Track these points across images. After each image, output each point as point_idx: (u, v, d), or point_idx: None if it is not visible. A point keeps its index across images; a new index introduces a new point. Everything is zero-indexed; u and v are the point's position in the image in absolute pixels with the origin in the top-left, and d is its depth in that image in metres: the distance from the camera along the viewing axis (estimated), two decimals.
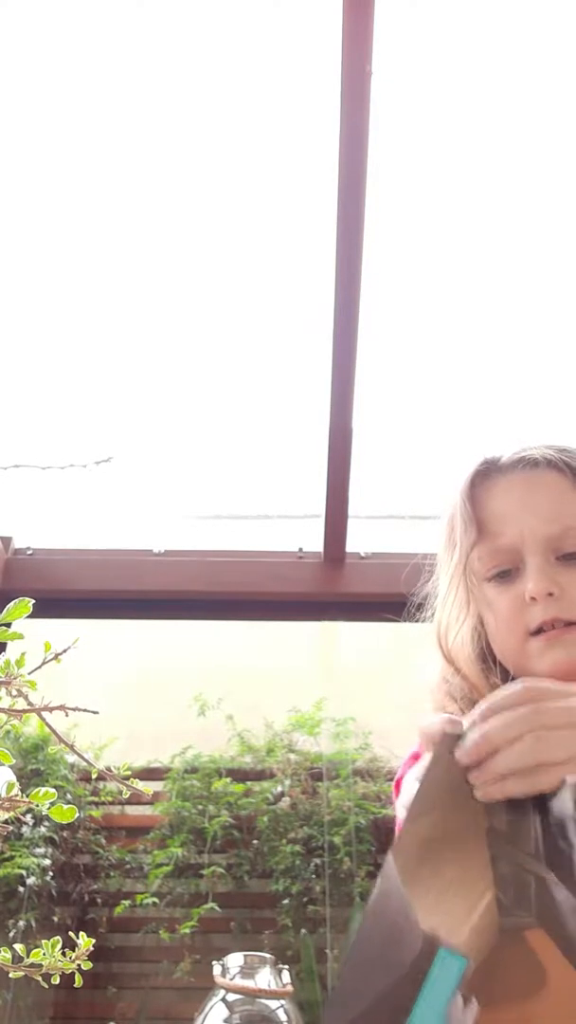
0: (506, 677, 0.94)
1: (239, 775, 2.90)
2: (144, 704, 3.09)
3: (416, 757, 0.97)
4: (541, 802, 0.58)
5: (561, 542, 0.90)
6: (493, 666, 0.95)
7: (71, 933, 0.69)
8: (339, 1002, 0.54)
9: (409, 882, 0.55)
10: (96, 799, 2.82)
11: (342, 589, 2.51)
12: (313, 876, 2.63)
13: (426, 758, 0.62)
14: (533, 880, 0.55)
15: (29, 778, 2.74)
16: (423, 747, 0.65)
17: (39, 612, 0.62)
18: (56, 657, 0.62)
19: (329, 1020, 0.54)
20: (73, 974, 0.66)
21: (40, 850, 2.60)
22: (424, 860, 0.56)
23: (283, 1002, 1.68)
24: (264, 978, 1.71)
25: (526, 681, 0.63)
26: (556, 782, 0.58)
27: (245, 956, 1.74)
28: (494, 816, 0.57)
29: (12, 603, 0.62)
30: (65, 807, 0.62)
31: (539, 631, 0.89)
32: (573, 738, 0.59)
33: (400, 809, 0.85)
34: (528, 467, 0.95)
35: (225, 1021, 1.63)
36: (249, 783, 2.88)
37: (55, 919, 2.63)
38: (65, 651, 0.63)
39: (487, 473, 0.97)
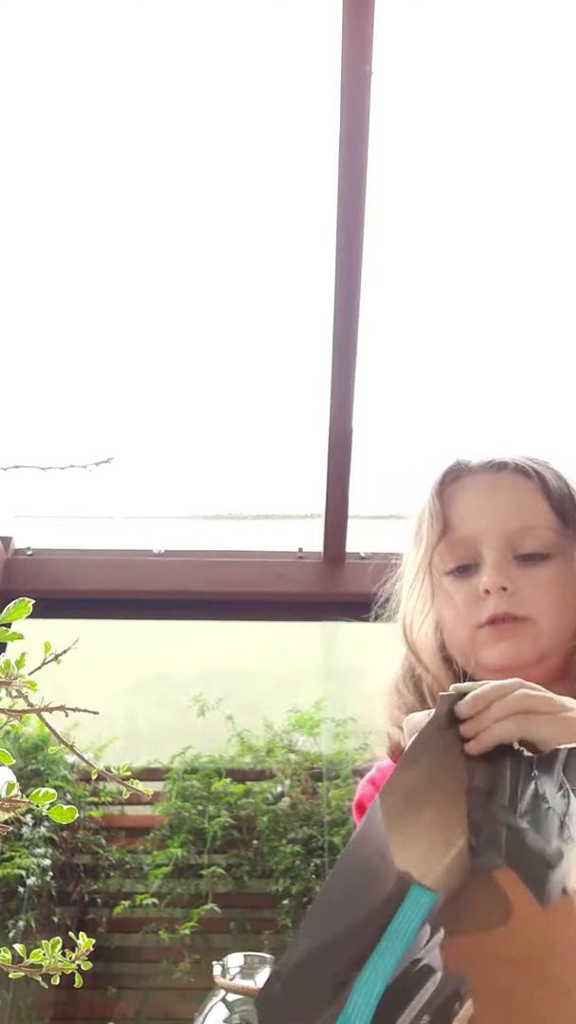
0: (466, 673, 0.96)
1: (239, 775, 2.90)
2: (144, 704, 3.09)
3: (373, 781, 0.99)
4: (520, 763, 0.63)
5: (520, 541, 0.93)
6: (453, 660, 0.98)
7: (71, 933, 0.69)
8: (309, 930, 0.57)
9: (392, 822, 0.59)
10: (96, 799, 2.82)
11: (342, 589, 2.51)
12: (313, 876, 2.62)
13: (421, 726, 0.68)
14: (505, 828, 0.60)
15: (29, 778, 2.74)
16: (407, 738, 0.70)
17: (39, 612, 0.62)
18: (56, 657, 0.62)
19: (297, 945, 0.56)
20: (73, 974, 0.66)
21: (40, 850, 2.60)
22: (408, 803, 0.60)
23: None
24: (264, 978, 1.70)
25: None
26: (542, 730, 0.64)
27: (245, 956, 1.74)
28: (474, 775, 0.62)
29: (12, 603, 0.62)
30: (65, 807, 0.62)
31: (489, 623, 0.92)
32: (554, 698, 0.67)
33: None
34: (495, 469, 0.98)
35: (225, 1021, 1.63)
36: (249, 783, 2.88)
37: (55, 919, 2.63)
38: (65, 651, 0.63)
39: (457, 474, 1.00)
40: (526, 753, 0.63)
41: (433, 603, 0.99)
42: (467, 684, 0.68)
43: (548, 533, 0.94)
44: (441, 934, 0.56)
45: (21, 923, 2.49)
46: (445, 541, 0.97)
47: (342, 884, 0.58)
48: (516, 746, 0.64)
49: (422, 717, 0.69)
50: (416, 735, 0.65)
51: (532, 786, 0.61)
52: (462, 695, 0.66)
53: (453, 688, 0.67)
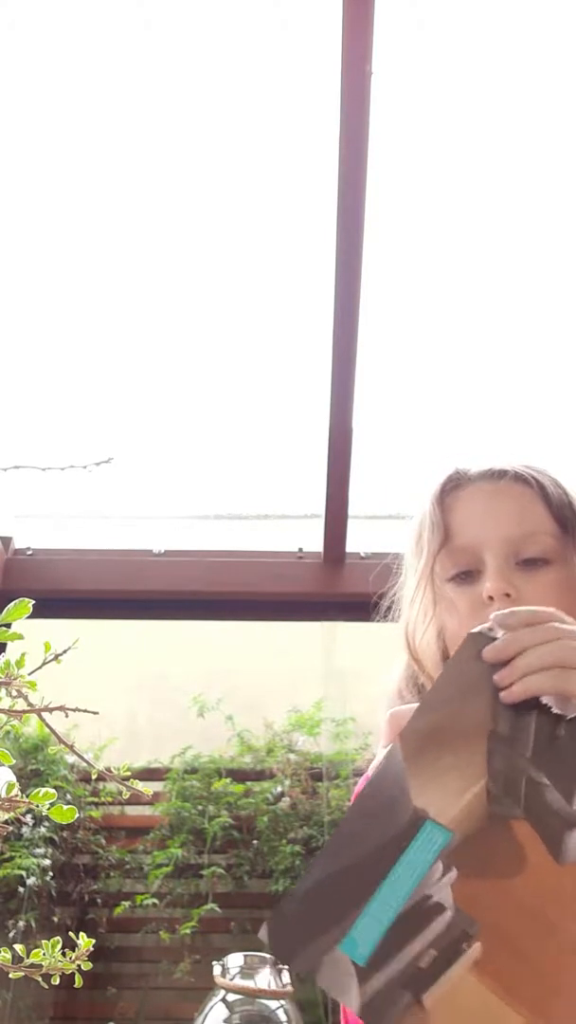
0: None
1: (239, 775, 2.90)
2: (144, 704, 3.09)
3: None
4: (548, 719, 0.62)
5: (521, 547, 0.94)
6: None
7: (71, 933, 0.69)
8: (326, 857, 0.59)
9: (411, 763, 0.61)
10: (96, 799, 2.81)
11: (342, 589, 2.51)
12: None
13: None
14: (524, 779, 0.60)
15: (29, 778, 2.74)
16: (390, 735, 0.71)
17: (39, 612, 0.62)
18: (56, 657, 0.62)
19: (313, 870, 0.59)
20: (73, 974, 0.66)
21: (40, 850, 2.60)
22: (427, 746, 0.62)
23: (283, 1002, 1.68)
24: (264, 978, 1.71)
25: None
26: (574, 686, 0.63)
27: (245, 956, 1.74)
28: (499, 720, 0.62)
29: (12, 603, 0.62)
30: (65, 807, 0.62)
31: None
32: None
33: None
34: (495, 477, 0.99)
35: (225, 1021, 1.63)
36: (249, 783, 2.88)
37: (55, 919, 2.63)
38: (65, 651, 0.63)
39: (457, 482, 1.01)
40: (554, 710, 0.62)
41: (435, 611, 0.99)
42: (502, 615, 0.66)
43: (549, 539, 0.95)
44: (454, 874, 0.57)
45: (21, 923, 2.48)
46: (446, 549, 0.97)
47: (361, 815, 0.60)
48: (545, 700, 0.63)
49: (407, 711, 0.69)
50: (438, 679, 0.66)
51: (558, 745, 0.61)
52: (491, 638, 0.65)
53: (479, 629, 0.66)
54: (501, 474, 0.99)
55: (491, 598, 0.92)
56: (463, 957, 0.55)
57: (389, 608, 1.09)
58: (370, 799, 0.61)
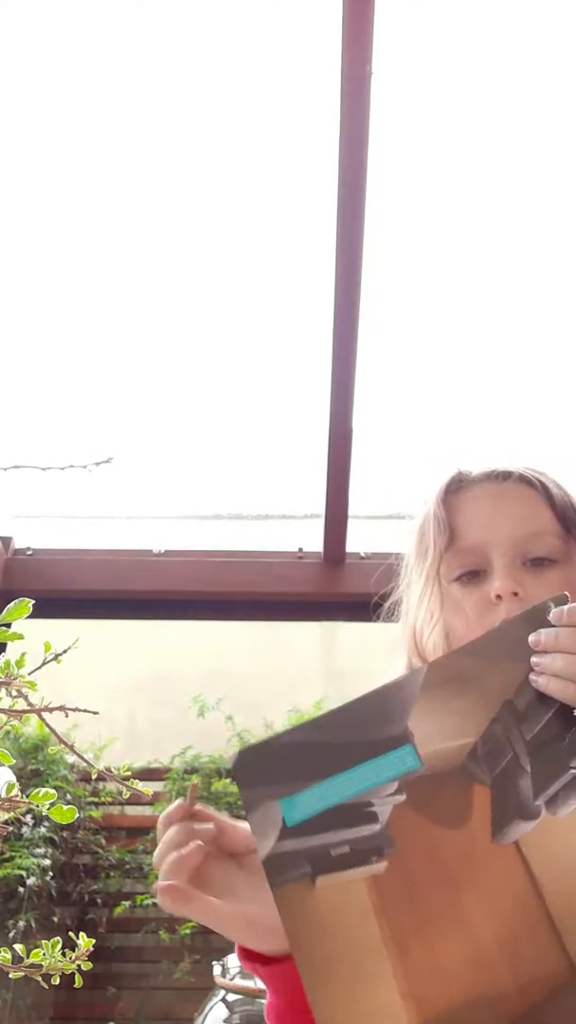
0: None
1: None
2: (144, 704, 3.09)
3: None
4: (564, 718, 0.64)
5: (528, 547, 0.95)
6: None
7: (71, 933, 0.69)
8: (311, 727, 0.65)
9: (425, 689, 0.65)
10: (96, 799, 2.82)
11: (342, 589, 2.51)
12: None
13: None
14: (510, 756, 0.63)
15: (29, 778, 2.74)
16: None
17: (39, 612, 0.62)
18: (56, 657, 0.62)
19: (301, 731, 0.65)
20: (73, 974, 0.66)
21: (40, 850, 2.60)
22: (447, 683, 0.66)
23: None
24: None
25: None
26: None
27: None
28: (520, 694, 0.66)
29: (12, 603, 0.62)
30: (65, 807, 0.62)
31: None
32: None
33: None
34: (499, 479, 1.00)
35: (225, 1021, 1.63)
36: None
37: (55, 919, 2.63)
38: (65, 651, 0.63)
39: (460, 483, 1.02)
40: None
41: (442, 612, 0.99)
42: (560, 612, 0.68)
43: (554, 539, 0.95)
44: (402, 797, 0.62)
45: (21, 923, 2.48)
46: (452, 549, 0.97)
47: (361, 708, 0.65)
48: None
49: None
50: (488, 632, 0.70)
51: (557, 746, 0.63)
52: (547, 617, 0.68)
53: (552, 603, 0.69)
54: (506, 475, 1.00)
55: (499, 597, 0.92)
56: (368, 866, 0.61)
57: (390, 608, 1.09)
58: (376, 700, 0.66)
